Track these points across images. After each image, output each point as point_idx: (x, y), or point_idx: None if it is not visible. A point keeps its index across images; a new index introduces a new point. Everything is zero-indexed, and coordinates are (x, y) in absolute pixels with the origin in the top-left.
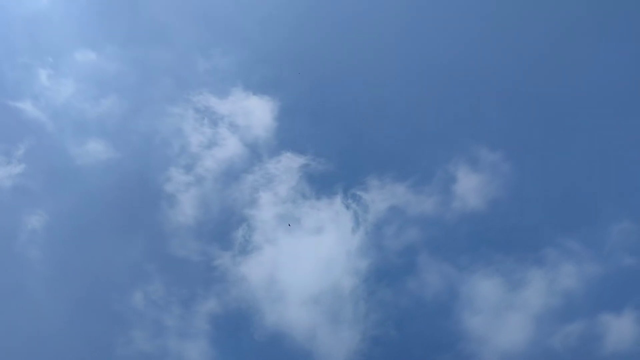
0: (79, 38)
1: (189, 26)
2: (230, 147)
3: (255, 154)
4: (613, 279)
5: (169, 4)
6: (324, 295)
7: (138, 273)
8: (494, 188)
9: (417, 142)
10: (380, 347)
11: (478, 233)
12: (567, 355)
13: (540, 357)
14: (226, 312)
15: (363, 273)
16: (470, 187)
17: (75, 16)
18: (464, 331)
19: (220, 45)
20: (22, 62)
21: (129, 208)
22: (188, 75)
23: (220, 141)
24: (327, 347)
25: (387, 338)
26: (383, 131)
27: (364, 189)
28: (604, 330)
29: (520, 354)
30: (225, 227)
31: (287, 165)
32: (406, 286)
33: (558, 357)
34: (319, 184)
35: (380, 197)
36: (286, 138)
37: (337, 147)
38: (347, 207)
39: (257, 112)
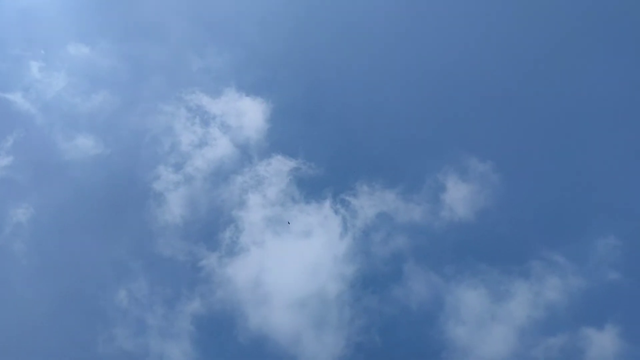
0: (73, 32)
1: (185, 24)
2: (221, 148)
3: (246, 155)
4: (596, 294)
5: (165, 1)
6: (310, 299)
7: (123, 271)
8: (483, 198)
9: (407, 150)
10: (364, 353)
11: (465, 243)
12: None
13: None
14: (210, 313)
15: (349, 279)
16: (459, 197)
17: (70, 9)
18: (447, 340)
19: (215, 44)
20: (14, 54)
21: (116, 205)
22: (181, 74)
23: (211, 141)
24: (310, 352)
25: (371, 345)
26: (374, 138)
27: (353, 194)
28: (586, 345)
29: None
30: (213, 228)
31: (278, 168)
32: (392, 294)
33: None
34: (309, 188)
35: (370, 203)
36: (277, 141)
37: (328, 152)
38: (336, 212)
39: (249, 114)
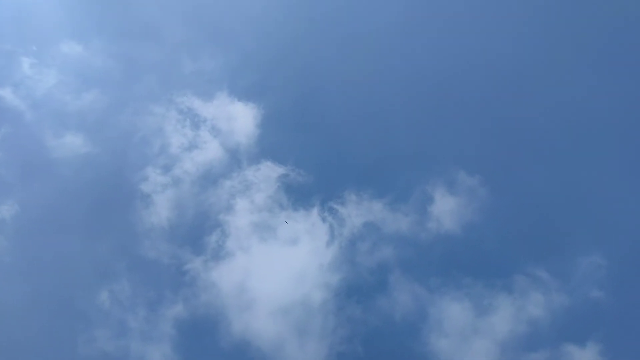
0: (66, 29)
1: (178, 26)
2: (211, 151)
3: (235, 160)
4: (579, 311)
5: (159, 2)
6: (294, 307)
7: (106, 271)
8: (470, 212)
9: (396, 161)
10: None
11: (450, 255)
12: None
13: None
14: (193, 317)
15: (334, 287)
16: (446, 210)
17: (64, 6)
18: (430, 353)
19: (208, 47)
20: (5, 49)
21: (103, 205)
22: (173, 75)
23: (200, 144)
24: None
25: (353, 355)
26: (364, 148)
27: (341, 202)
28: None
29: None
30: (199, 232)
31: (266, 174)
32: (376, 304)
33: None
34: (297, 195)
35: (357, 212)
36: (267, 147)
37: (317, 160)
38: (324, 219)
39: (240, 118)
